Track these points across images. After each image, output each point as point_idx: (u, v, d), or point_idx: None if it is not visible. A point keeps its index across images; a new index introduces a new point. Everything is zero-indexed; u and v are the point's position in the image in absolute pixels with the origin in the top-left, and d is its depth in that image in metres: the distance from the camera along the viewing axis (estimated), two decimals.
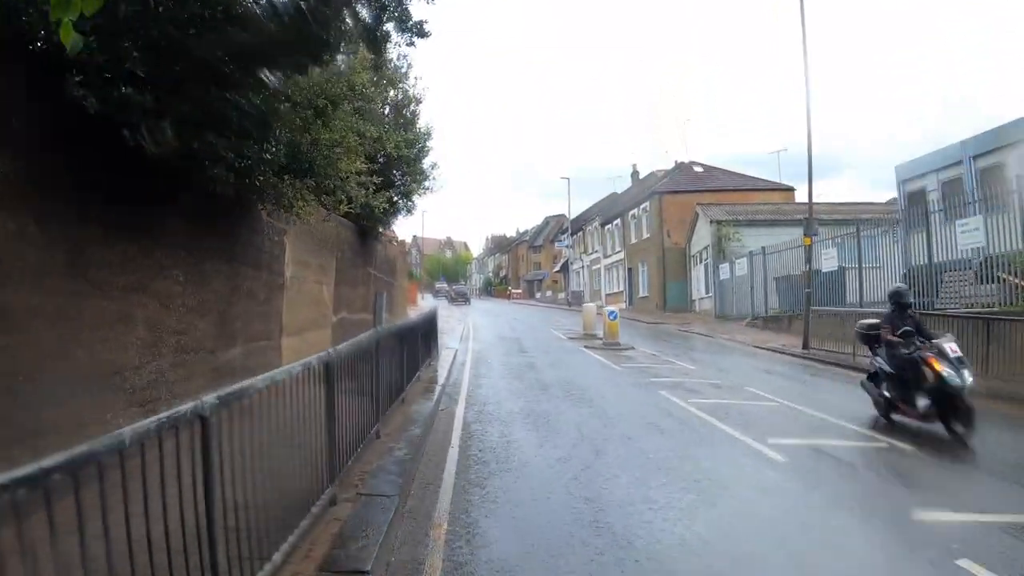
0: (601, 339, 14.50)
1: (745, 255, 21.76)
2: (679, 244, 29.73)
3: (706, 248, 26.24)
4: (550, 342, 15.59)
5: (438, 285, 64.71)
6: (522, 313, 32.97)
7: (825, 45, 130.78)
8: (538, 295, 59.96)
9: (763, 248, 20.31)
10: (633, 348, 13.68)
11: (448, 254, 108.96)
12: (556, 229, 62.57)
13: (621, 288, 36.90)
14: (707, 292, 26.42)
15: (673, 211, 29.94)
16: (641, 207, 32.72)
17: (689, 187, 30.68)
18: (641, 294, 32.95)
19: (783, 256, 19.56)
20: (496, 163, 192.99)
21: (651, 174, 39.86)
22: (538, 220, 74.61)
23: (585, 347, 13.85)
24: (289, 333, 8.45)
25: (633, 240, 34.02)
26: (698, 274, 27.89)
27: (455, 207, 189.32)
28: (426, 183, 13.35)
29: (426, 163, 13.22)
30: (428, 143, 12.97)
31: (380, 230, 15.16)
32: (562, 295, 49.07)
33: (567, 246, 47.51)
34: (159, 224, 5.06)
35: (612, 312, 13.69)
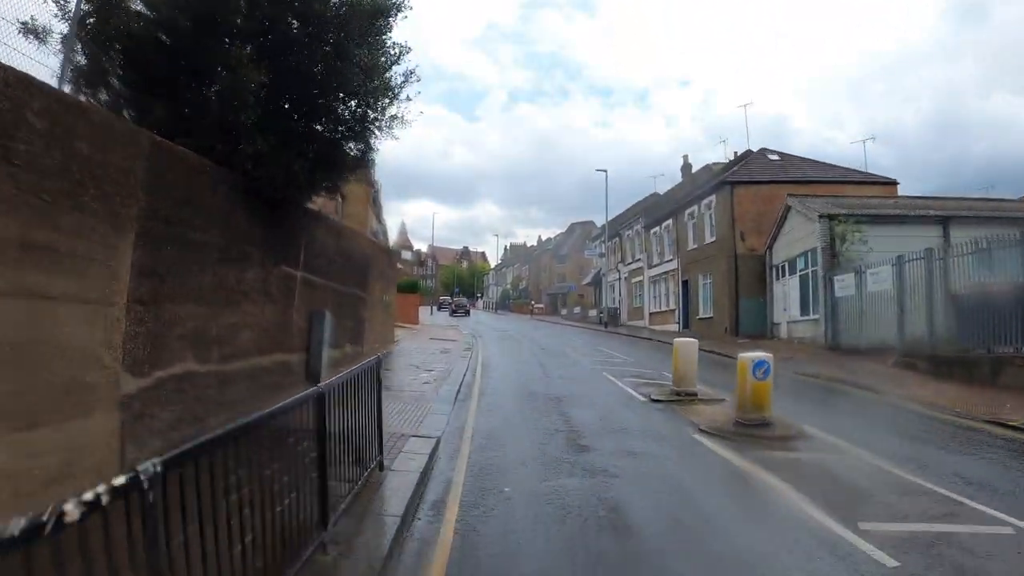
0: (723, 404, 7.66)
1: (887, 262, 14.73)
2: (755, 250, 22.81)
3: (806, 253, 19.22)
4: (625, 414, 8.35)
5: (442, 298, 62.49)
6: (550, 337, 25.98)
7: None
8: (563, 311, 53.08)
9: (930, 251, 13.25)
10: (803, 436, 6.75)
11: (465, 265, 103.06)
12: (583, 237, 56.01)
13: (672, 306, 29.81)
14: (804, 313, 19.39)
15: (748, 207, 23.06)
16: (703, 203, 25.69)
17: (769, 177, 23.71)
18: (701, 314, 25.84)
19: (962, 262, 12.54)
20: (512, 168, 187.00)
21: (705, 167, 32.98)
22: (562, 228, 68.33)
23: (705, 435, 6.79)
24: None
25: (692, 245, 26.97)
26: (785, 288, 20.87)
27: (473, 216, 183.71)
28: (393, 109, 6.76)
29: (395, 74, 6.63)
30: (393, 19, 6.34)
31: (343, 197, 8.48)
32: (593, 311, 42.16)
33: (600, 255, 40.59)
34: None
35: (761, 364, 6.57)
